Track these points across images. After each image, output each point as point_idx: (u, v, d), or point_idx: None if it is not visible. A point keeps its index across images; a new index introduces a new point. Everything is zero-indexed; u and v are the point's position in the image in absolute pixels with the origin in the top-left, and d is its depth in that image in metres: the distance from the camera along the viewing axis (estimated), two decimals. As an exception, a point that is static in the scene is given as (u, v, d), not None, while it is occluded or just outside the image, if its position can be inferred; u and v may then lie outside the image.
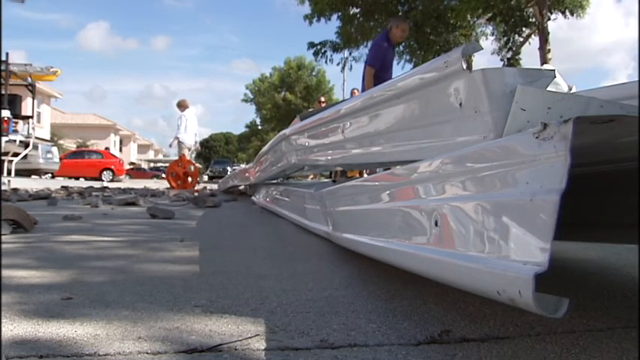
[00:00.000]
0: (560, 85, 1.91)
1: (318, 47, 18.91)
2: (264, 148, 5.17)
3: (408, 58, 18.97)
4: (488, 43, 18.03)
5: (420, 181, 1.36)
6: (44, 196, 5.70)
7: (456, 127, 1.41)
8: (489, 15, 16.33)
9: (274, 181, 5.19)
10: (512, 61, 16.68)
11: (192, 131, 9.88)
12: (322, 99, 11.51)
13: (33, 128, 14.32)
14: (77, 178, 13.90)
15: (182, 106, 10.07)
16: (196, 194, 6.52)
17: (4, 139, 11.86)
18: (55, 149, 17.83)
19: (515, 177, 0.96)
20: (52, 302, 1.36)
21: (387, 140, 1.93)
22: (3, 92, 12.39)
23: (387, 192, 1.60)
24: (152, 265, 1.92)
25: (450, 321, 1.23)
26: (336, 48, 18.59)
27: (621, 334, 1.17)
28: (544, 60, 13.89)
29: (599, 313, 1.34)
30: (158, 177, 26.67)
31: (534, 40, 15.87)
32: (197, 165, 10.50)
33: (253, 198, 5.50)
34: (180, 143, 9.71)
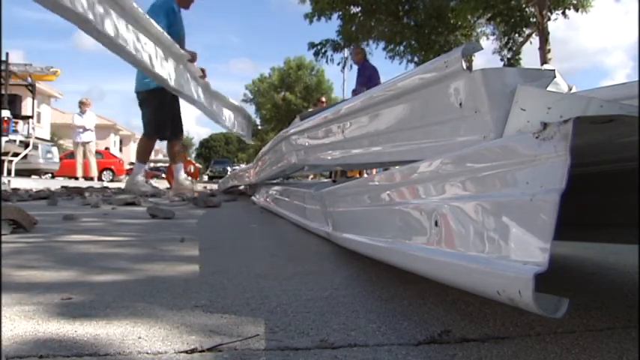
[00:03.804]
0: (560, 85, 1.90)
1: (319, 47, 18.97)
2: (264, 148, 5.17)
3: (409, 58, 19.03)
4: (489, 43, 18.09)
5: (420, 181, 1.36)
6: (44, 196, 5.70)
7: (455, 127, 1.41)
8: (490, 15, 16.37)
9: (274, 181, 5.19)
10: (513, 61, 16.72)
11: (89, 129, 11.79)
12: (323, 99, 11.51)
13: (33, 128, 14.35)
14: (77, 178, 13.93)
15: (85, 104, 10.79)
16: (196, 194, 6.52)
17: (4, 139, 11.86)
18: (55, 149, 17.84)
19: (515, 177, 0.96)
20: (52, 302, 1.35)
21: (387, 140, 1.93)
22: (3, 92, 12.41)
23: (387, 192, 1.60)
24: (152, 265, 1.92)
25: (450, 321, 1.23)
26: (336, 47, 18.64)
27: (621, 334, 1.17)
28: (544, 60, 13.92)
29: (599, 313, 1.34)
30: (158, 177, 26.64)
31: (534, 40, 15.90)
32: (197, 165, 10.57)
33: (253, 198, 5.50)
34: (78, 144, 10.54)
